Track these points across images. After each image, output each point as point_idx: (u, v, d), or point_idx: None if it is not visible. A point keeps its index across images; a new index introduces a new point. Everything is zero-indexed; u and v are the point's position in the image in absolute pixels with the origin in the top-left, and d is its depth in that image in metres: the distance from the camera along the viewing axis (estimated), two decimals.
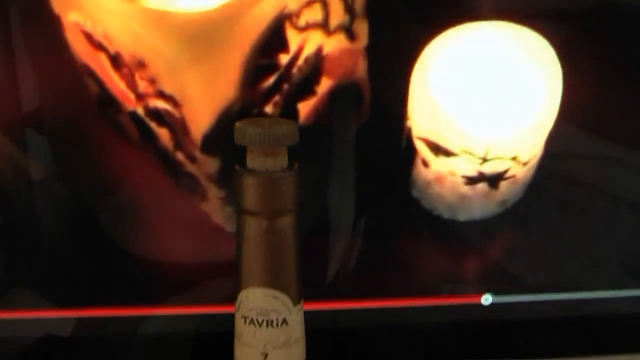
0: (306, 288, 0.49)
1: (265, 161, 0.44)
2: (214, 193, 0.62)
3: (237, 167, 0.44)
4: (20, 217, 0.63)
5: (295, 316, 0.49)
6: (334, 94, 0.61)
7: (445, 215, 0.64)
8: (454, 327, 0.65)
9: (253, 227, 0.46)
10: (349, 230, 0.63)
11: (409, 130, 0.62)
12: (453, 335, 0.66)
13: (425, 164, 0.63)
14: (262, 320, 0.48)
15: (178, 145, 0.60)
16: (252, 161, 0.44)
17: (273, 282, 0.47)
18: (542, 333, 0.67)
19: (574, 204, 0.65)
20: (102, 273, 0.64)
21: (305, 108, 0.60)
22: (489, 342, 0.66)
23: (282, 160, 0.45)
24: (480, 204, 0.64)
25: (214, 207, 0.62)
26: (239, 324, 0.49)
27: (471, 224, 0.65)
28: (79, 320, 0.63)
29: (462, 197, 0.64)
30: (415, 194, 0.63)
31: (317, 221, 0.62)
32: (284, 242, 0.47)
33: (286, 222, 0.46)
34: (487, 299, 0.63)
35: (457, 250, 0.66)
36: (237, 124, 0.45)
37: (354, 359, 0.65)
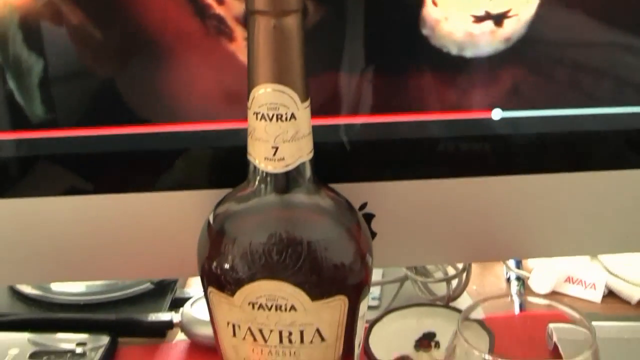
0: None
1: None
2: (240, 34, 0.68)
3: None
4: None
5: (302, 112, 0.56)
6: None
7: (454, 52, 0.69)
8: (463, 141, 0.71)
9: (262, 26, 0.53)
10: (359, 68, 0.69)
11: None
12: (463, 150, 0.71)
13: (435, 2, 0.68)
14: (272, 115, 0.55)
15: None
16: None
17: (281, 77, 0.54)
18: (553, 149, 0.72)
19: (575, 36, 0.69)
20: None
21: None
22: (499, 157, 0.71)
23: None
24: (486, 41, 0.69)
25: (240, 47, 0.68)
26: (252, 121, 0.56)
27: (478, 60, 0.71)
28: (110, 137, 0.69)
29: (470, 35, 0.70)
30: (424, 32, 0.69)
31: (327, 59, 0.68)
32: (290, 40, 0.53)
33: (292, 21, 0.53)
34: (497, 114, 0.69)
35: (465, 84, 0.71)
36: None
37: (362, 174, 0.71)
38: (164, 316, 0.81)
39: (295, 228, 0.58)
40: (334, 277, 0.58)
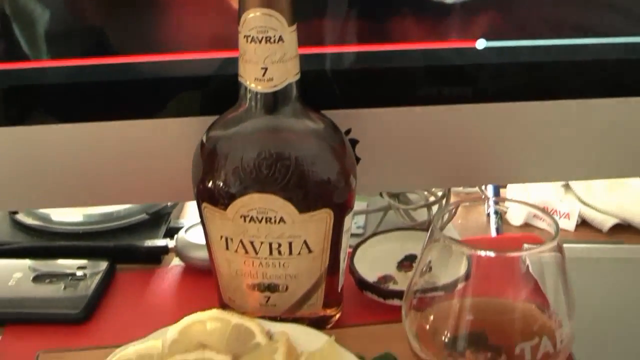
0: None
1: None
2: None
3: None
4: None
5: (289, 35, 0.60)
6: None
7: None
8: (446, 71, 0.75)
9: None
10: (344, 11, 0.72)
11: None
12: (444, 79, 0.75)
13: None
14: (262, 38, 0.59)
15: None
16: None
17: (270, 2, 0.58)
18: (537, 76, 0.76)
19: None
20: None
21: None
22: (479, 86, 0.75)
23: None
24: None
25: None
26: (243, 43, 0.60)
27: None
28: (106, 66, 0.73)
29: None
30: None
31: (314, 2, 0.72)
32: None
33: None
34: (481, 43, 0.72)
35: (446, 26, 0.75)
36: None
37: (346, 101, 0.74)
38: (160, 242, 0.85)
39: (283, 144, 0.63)
40: (320, 191, 0.63)
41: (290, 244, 0.63)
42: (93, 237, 0.88)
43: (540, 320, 0.53)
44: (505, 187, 0.98)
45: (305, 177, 0.61)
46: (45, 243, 0.86)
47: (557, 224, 0.52)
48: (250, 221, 0.62)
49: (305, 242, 0.63)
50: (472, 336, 0.53)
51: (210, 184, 0.63)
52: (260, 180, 0.61)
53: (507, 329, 0.53)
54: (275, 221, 0.62)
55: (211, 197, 0.63)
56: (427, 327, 0.54)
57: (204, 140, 0.64)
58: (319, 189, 0.62)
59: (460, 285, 0.54)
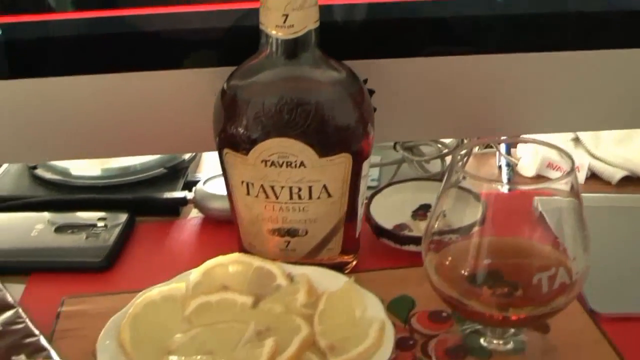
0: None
1: None
2: None
3: None
4: None
5: None
6: None
7: None
8: (460, 20, 0.76)
9: None
10: None
11: None
12: (462, 30, 0.76)
13: None
14: None
15: None
16: None
17: None
18: (547, 27, 0.77)
19: None
20: None
21: None
22: (496, 37, 0.77)
23: None
24: None
25: None
26: None
27: None
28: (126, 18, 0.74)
29: None
30: None
31: None
32: None
33: None
34: None
35: None
36: None
37: (363, 51, 0.76)
38: (178, 194, 0.87)
39: (304, 90, 0.64)
40: (339, 137, 0.64)
41: (310, 188, 0.65)
42: (112, 191, 0.89)
43: (555, 255, 0.54)
44: (515, 146, 1.00)
45: (325, 122, 0.63)
46: (66, 196, 0.87)
47: (572, 159, 0.54)
48: (271, 166, 0.64)
49: (324, 186, 0.65)
50: (489, 273, 0.55)
51: (231, 131, 0.64)
52: (281, 124, 0.62)
53: (523, 264, 0.54)
54: (295, 165, 0.63)
55: (233, 143, 0.64)
56: (447, 263, 0.56)
57: (225, 88, 0.66)
58: (338, 135, 0.64)
59: (476, 228, 0.55)
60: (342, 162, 0.64)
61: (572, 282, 0.53)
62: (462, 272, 0.54)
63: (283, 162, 0.63)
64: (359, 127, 0.65)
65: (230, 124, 0.64)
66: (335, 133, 0.63)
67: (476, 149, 0.97)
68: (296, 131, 0.62)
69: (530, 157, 0.94)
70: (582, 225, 0.53)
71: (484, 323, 0.57)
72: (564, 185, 0.52)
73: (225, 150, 0.65)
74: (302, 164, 0.63)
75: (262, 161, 0.64)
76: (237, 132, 0.64)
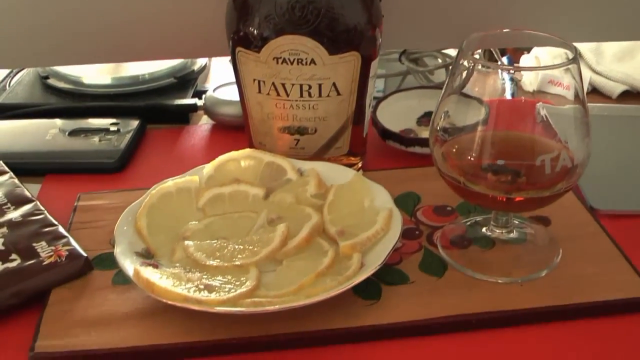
0: None
1: None
2: None
3: None
4: None
5: None
6: None
7: None
8: None
9: None
10: None
11: None
12: None
13: None
14: None
15: None
16: None
17: None
18: None
19: None
20: None
21: None
22: None
23: None
24: None
25: None
26: None
27: None
28: None
29: None
30: None
31: None
32: None
33: None
34: None
35: None
36: None
37: None
38: (189, 100, 0.89)
39: None
40: (349, 35, 0.66)
41: (320, 85, 0.67)
42: (122, 99, 0.90)
43: (557, 144, 0.56)
44: (518, 61, 1.01)
45: (335, 20, 0.65)
46: (79, 103, 0.89)
47: (575, 49, 0.55)
48: (282, 63, 0.66)
49: (334, 84, 0.67)
50: (493, 161, 0.57)
51: (244, 30, 0.66)
52: (293, 22, 0.64)
53: (527, 151, 0.57)
54: (306, 62, 0.65)
55: (245, 42, 0.66)
56: (454, 151, 0.58)
57: None
58: (348, 33, 0.65)
59: (480, 127, 0.57)
60: (351, 60, 0.66)
61: (573, 167, 0.55)
62: (469, 158, 0.56)
63: (294, 60, 0.65)
64: (367, 27, 0.66)
65: (242, 24, 0.66)
66: (345, 31, 0.65)
67: (479, 67, 0.98)
68: (307, 28, 0.64)
69: (531, 73, 0.95)
70: (583, 115, 0.55)
71: (489, 206, 0.60)
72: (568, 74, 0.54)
73: (238, 49, 0.67)
74: (312, 61, 0.65)
75: (273, 58, 0.65)
76: (250, 31, 0.66)
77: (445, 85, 0.58)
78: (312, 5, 0.64)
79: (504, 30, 0.60)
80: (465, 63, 0.56)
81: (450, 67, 0.60)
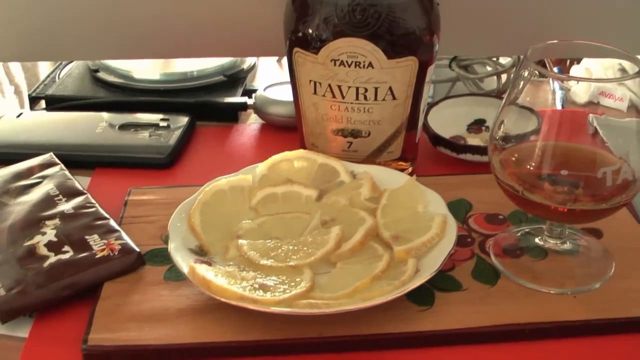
0: None
1: None
2: None
3: None
4: None
5: None
6: None
7: None
8: None
9: None
10: None
11: None
12: None
13: None
14: None
15: None
16: None
17: None
18: None
19: None
20: None
21: None
22: None
23: None
24: None
25: None
26: None
27: None
28: None
29: None
30: None
31: None
32: None
33: None
34: None
35: None
36: None
37: None
38: (239, 99, 0.89)
39: None
40: (408, 39, 0.66)
41: (376, 89, 0.67)
42: (172, 95, 0.91)
43: (618, 158, 0.56)
44: (568, 72, 1.00)
45: (395, 25, 0.65)
46: (128, 97, 0.90)
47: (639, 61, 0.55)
48: (340, 65, 0.66)
49: (390, 88, 0.67)
50: (552, 171, 0.57)
51: (303, 30, 0.66)
52: (352, 24, 0.64)
53: (586, 162, 0.56)
54: (363, 65, 0.65)
55: (304, 42, 0.66)
56: (513, 160, 0.58)
57: None
58: (407, 38, 0.65)
59: (534, 136, 0.57)
60: (409, 65, 0.66)
61: (634, 180, 0.55)
62: (527, 168, 0.56)
63: (352, 62, 0.65)
64: (426, 33, 0.66)
65: (301, 24, 0.66)
66: (404, 36, 0.65)
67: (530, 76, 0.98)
68: (367, 32, 0.64)
69: (583, 84, 0.94)
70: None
71: (546, 216, 0.60)
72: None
73: (295, 50, 0.67)
74: (370, 64, 0.65)
75: (331, 60, 0.66)
76: (308, 32, 0.66)
77: (506, 95, 0.57)
78: (373, 9, 0.64)
79: (570, 41, 0.59)
80: (526, 74, 0.55)
81: (512, 76, 0.59)
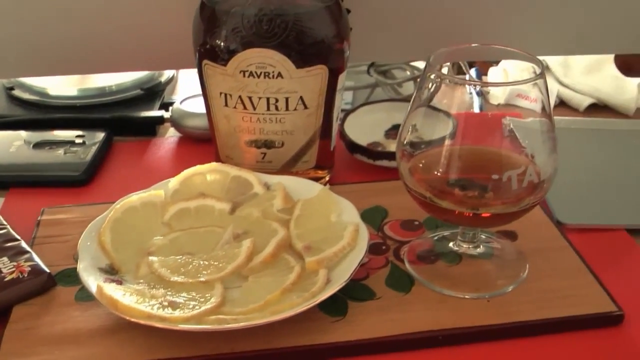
0: None
1: None
2: None
3: None
4: None
5: None
6: None
7: None
8: None
9: None
10: None
11: None
12: None
13: None
14: None
15: None
16: None
17: None
18: None
19: None
20: None
21: None
22: None
23: None
24: None
25: None
26: None
27: None
28: None
29: None
30: None
31: None
32: None
33: None
34: None
35: None
36: None
37: None
38: (156, 112, 0.88)
39: (282, 2, 0.65)
40: (316, 48, 0.66)
41: (287, 99, 0.66)
42: (89, 111, 0.89)
43: (523, 159, 0.56)
44: (486, 74, 1.01)
45: (302, 34, 0.64)
46: (44, 115, 0.88)
47: (542, 64, 0.55)
48: (249, 76, 0.65)
49: (301, 97, 0.66)
50: (460, 176, 0.57)
51: (211, 42, 0.65)
52: (260, 35, 0.64)
53: (494, 166, 0.56)
54: (273, 76, 0.65)
55: (212, 54, 0.66)
56: (420, 166, 0.58)
57: (205, 1, 0.67)
58: (315, 47, 0.65)
59: (447, 141, 0.57)
60: (318, 73, 0.66)
61: (540, 182, 0.55)
62: (435, 174, 0.56)
63: (261, 73, 0.65)
64: (335, 41, 0.66)
65: (209, 36, 0.66)
66: (313, 45, 0.65)
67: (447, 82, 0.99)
68: (274, 42, 0.64)
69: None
70: (549, 129, 0.55)
71: (455, 222, 0.60)
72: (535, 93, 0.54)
73: (204, 62, 0.67)
74: (279, 74, 0.65)
75: (240, 72, 0.65)
76: (216, 44, 0.65)
77: (412, 99, 0.57)
78: (280, 19, 0.63)
79: (472, 45, 0.59)
80: (432, 77, 0.55)
81: (418, 81, 0.59)
